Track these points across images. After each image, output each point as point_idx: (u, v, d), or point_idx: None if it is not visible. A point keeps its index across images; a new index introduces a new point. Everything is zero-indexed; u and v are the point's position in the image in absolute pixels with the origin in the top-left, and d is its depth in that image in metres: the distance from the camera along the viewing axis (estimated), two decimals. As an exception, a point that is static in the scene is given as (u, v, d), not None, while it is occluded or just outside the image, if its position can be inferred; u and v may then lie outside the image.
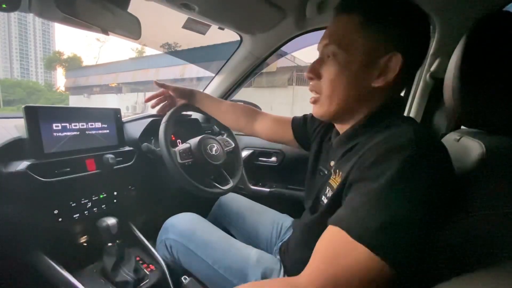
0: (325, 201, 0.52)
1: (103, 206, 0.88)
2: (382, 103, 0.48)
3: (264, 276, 0.62)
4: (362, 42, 0.45)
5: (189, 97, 0.98)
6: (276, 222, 0.85)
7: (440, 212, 0.38)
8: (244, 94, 1.60)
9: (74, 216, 0.80)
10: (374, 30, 0.44)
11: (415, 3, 0.45)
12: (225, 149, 1.09)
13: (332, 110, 0.50)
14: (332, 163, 0.55)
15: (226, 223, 0.96)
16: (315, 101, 0.52)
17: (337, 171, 0.50)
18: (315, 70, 0.51)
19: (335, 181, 0.49)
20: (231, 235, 0.93)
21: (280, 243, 0.78)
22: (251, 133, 0.91)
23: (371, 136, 0.45)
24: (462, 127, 0.61)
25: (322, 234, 0.41)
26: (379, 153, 0.39)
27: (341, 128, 0.55)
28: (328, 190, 0.52)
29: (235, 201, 1.00)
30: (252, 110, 0.91)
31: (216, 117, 0.98)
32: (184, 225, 0.80)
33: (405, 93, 1.03)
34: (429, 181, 0.36)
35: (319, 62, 0.50)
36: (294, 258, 0.62)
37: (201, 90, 1.43)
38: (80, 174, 0.80)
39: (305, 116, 0.79)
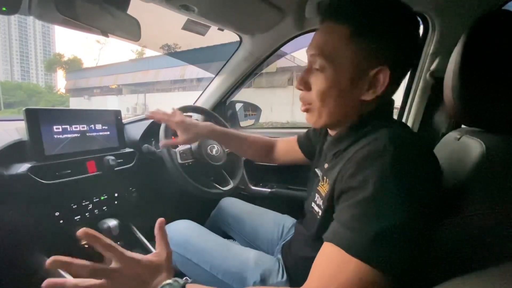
0: (315, 208, 0.52)
1: (104, 208, 0.88)
2: (371, 110, 0.48)
3: (263, 278, 0.62)
4: (350, 55, 0.43)
5: (199, 136, 0.80)
6: (277, 223, 0.85)
7: (430, 213, 0.37)
8: (244, 94, 1.60)
9: (75, 218, 0.81)
10: (362, 43, 0.43)
11: (408, 7, 0.44)
12: (226, 150, 1.09)
13: (322, 121, 0.50)
14: (326, 165, 0.55)
15: (226, 227, 0.96)
16: (306, 110, 0.52)
17: (325, 178, 0.50)
18: (304, 81, 0.49)
19: (323, 188, 0.49)
20: (232, 239, 0.93)
21: (283, 243, 0.78)
22: (269, 162, 0.90)
23: (354, 142, 0.46)
24: (463, 126, 0.61)
25: (320, 250, 0.40)
26: (357, 161, 0.39)
27: (332, 132, 0.55)
28: (317, 197, 0.52)
29: (234, 205, 1.00)
30: (268, 143, 0.88)
31: (236, 152, 0.95)
32: (178, 234, 0.78)
33: (405, 93, 1.03)
34: (412, 184, 0.36)
35: (308, 73, 0.49)
36: (297, 257, 0.62)
37: (202, 91, 1.44)
38: (81, 176, 0.81)
39: (307, 131, 0.79)
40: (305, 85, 0.49)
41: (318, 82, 0.47)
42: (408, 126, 0.50)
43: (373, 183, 0.36)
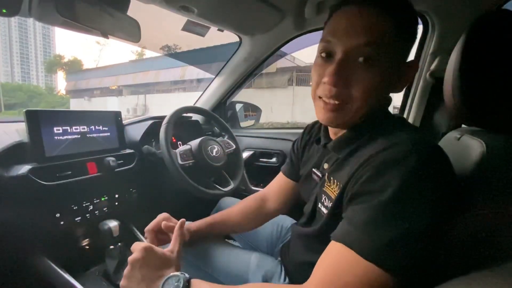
0: (323, 209, 0.51)
1: (104, 209, 0.88)
2: (379, 105, 0.47)
3: (265, 280, 0.62)
4: (396, 47, 0.42)
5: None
6: (276, 223, 0.85)
7: (445, 219, 0.37)
8: (244, 95, 1.60)
9: (76, 219, 0.81)
10: (403, 36, 0.43)
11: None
12: (226, 150, 1.09)
13: (355, 119, 0.46)
14: (326, 165, 0.53)
15: None
16: (337, 109, 0.45)
17: (332, 178, 0.49)
18: (345, 76, 0.42)
19: (331, 190, 0.48)
20: (232, 239, 0.93)
21: (281, 244, 0.78)
22: (267, 215, 0.78)
23: (366, 142, 0.45)
24: (463, 125, 0.61)
25: (325, 249, 0.40)
26: (377, 165, 0.38)
27: (336, 131, 0.52)
28: (325, 198, 0.51)
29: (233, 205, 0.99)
30: (256, 197, 0.78)
31: (233, 231, 0.83)
32: None
33: (405, 93, 1.03)
34: (433, 190, 0.36)
35: (346, 67, 0.42)
36: (296, 261, 0.62)
37: (202, 92, 1.44)
38: (82, 177, 0.81)
39: (288, 159, 0.75)
40: (346, 81, 0.42)
41: (367, 75, 0.41)
42: (406, 120, 0.50)
43: (393, 187, 0.35)
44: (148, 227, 0.67)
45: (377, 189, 0.37)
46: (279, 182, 0.77)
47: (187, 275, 0.45)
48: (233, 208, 0.76)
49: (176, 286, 0.43)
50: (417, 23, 0.45)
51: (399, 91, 0.47)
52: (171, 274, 0.45)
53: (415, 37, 0.45)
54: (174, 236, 0.54)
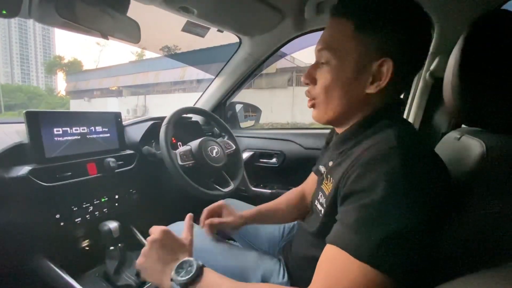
0: (318, 206, 0.52)
1: (104, 210, 0.88)
2: (377, 107, 0.47)
3: (264, 278, 0.62)
4: (354, 47, 0.44)
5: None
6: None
7: (437, 216, 0.37)
8: (244, 95, 1.60)
9: (76, 220, 0.81)
10: (365, 36, 0.44)
11: (416, 4, 0.44)
12: (226, 151, 1.09)
13: (328, 116, 0.50)
14: (331, 163, 0.54)
15: None
16: (312, 106, 0.52)
17: (329, 176, 0.50)
18: (310, 75, 0.50)
19: (327, 187, 0.49)
20: (232, 240, 0.93)
21: (284, 243, 0.78)
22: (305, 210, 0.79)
23: (359, 142, 0.45)
24: (463, 125, 0.61)
25: (323, 252, 0.40)
26: (364, 163, 0.38)
27: (339, 130, 0.54)
28: (321, 196, 0.52)
29: (234, 206, 0.99)
30: (298, 191, 0.82)
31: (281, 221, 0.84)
32: (179, 235, 0.77)
33: (405, 92, 1.03)
34: (421, 186, 0.36)
35: (315, 67, 0.50)
36: (298, 256, 0.62)
37: (202, 93, 1.44)
38: (82, 178, 0.81)
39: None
40: (311, 79, 0.50)
41: (323, 75, 0.48)
42: (411, 124, 0.50)
43: (381, 186, 0.35)
44: (207, 208, 0.76)
45: (365, 188, 0.37)
46: (311, 178, 0.81)
47: (200, 262, 0.46)
48: (280, 200, 0.82)
49: (189, 270, 0.45)
50: (383, 21, 0.43)
51: (375, 90, 0.45)
52: (186, 258, 0.48)
53: (383, 34, 0.43)
54: (186, 226, 0.57)
